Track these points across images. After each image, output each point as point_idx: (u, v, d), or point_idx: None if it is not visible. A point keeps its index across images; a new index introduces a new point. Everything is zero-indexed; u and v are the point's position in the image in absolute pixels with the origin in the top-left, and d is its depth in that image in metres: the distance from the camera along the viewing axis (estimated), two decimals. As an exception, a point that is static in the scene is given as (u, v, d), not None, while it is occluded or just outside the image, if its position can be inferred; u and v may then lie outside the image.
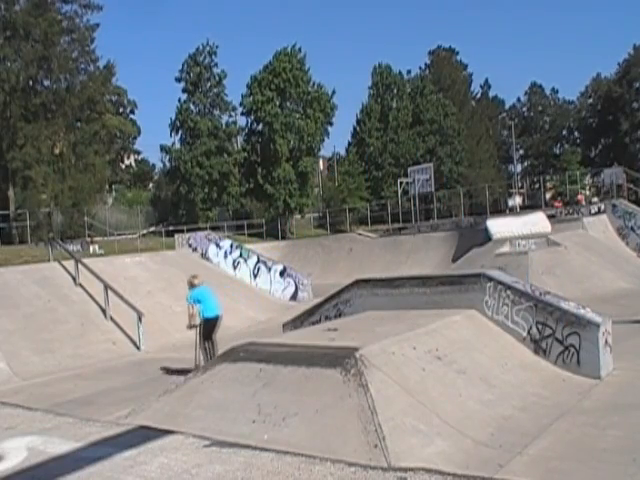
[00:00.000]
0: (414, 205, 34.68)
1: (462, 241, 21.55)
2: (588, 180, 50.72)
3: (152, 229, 36.38)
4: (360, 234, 27.26)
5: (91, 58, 31.22)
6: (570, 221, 21.83)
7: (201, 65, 39.08)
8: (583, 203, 29.11)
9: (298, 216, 41.78)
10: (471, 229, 22.90)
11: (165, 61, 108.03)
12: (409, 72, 54.10)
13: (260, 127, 39.95)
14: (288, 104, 40.08)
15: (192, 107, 39.11)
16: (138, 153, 55.18)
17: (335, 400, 4.89)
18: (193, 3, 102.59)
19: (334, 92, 41.33)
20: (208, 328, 8.60)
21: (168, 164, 39.55)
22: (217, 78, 39.73)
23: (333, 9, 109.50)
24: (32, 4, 28.44)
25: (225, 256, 17.97)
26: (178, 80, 39.25)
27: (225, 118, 40.21)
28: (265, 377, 5.49)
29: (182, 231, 24.44)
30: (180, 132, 39.03)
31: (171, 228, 30.38)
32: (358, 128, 49.38)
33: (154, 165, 55.55)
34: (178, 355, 10.36)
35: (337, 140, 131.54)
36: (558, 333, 6.78)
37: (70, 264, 13.27)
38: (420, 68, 56.89)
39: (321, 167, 55.31)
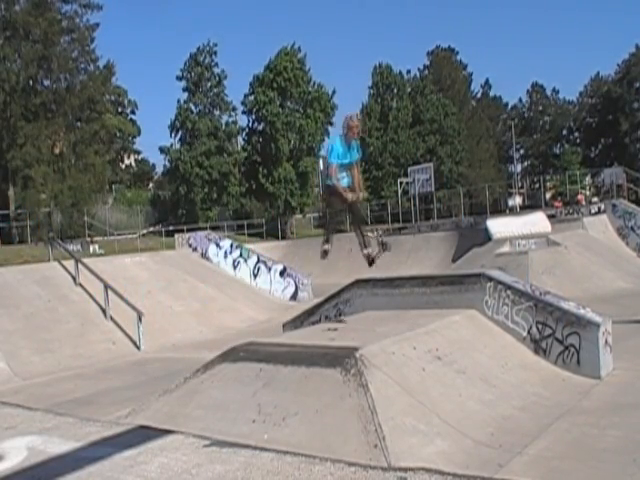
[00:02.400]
0: (414, 205, 34.70)
1: (462, 241, 21.54)
2: (588, 180, 50.73)
3: (152, 229, 36.39)
4: (360, 234, 27.17)
5: (91, 58, 31.27)
6: (570, 221, 21.82)
7: (202, 65, 39.13)
8: (583, 203, 29.13)
9: (299, 216, 41.84)
10: (471, 229, 22.90)
11: (165, 61, 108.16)
12: (408, 72, 54.13)
13: (261, 126, 39.98)
14: (289, 104, 40.12)
15: (192, 107, 39.15)
16: (138, 153, 55.23)
17: (335, 400, 4.89)
18: (193, 3, 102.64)
19: (334, 92, 41.47)
20: None
21: (168, 164, 39.62)
22: (217, 78, 39.80)
23: (333, 9, 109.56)
24: (32, 4, 28.47)
25: (225, 256, 17.96)
26: (179, 79, 39.30)
27: (225, 118, 40.29)
28: (265, 377, 5.48)
29: (182, 231, 24.44)
30: (180, 132, 39.06)
31: (171, 228, 30.41)
32: (358, 128, 49.36)
33: (154, 165, 55.67)
34: (178, 355, 10.36)
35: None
36: (558, 333, 6.78)
37: (70, 264, 13.26)
38: (419, 69, 56.93)
39: (321, 167, 55.31)
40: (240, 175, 39.83)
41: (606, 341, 6.71)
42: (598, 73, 59.72)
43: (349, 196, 6.60)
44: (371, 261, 7.13)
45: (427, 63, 57.53)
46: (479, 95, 62.04)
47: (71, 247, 20.62)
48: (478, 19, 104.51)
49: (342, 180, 6.65)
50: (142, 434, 5.38)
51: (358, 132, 6.57)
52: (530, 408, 5.56)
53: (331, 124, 41.97)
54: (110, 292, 11.80)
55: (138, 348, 11.10)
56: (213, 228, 28.51)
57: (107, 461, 4.74)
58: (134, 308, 11.30)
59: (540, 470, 4.18)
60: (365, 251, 7.05)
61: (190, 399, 5.75)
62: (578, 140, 62.30)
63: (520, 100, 65.38)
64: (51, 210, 29.59)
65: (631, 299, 13.03)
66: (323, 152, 6.38)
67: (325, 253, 7.12)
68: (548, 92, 64.51)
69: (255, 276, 17.70)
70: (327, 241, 7.20)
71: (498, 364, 6.39)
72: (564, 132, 63.82)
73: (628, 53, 55.16)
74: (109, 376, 9.00)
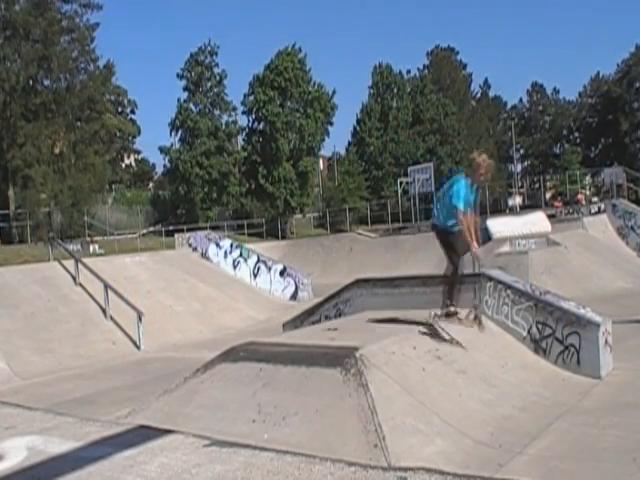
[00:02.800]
0: (414, 205, 34.70)
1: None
2: (588, 180, 50.71)
3: (152, 229, 36.38)
4: (360, 234, 27.24)
5: (91, 57, 31.25)
6: (570, 221, 21.83)
7: (202, 65, 39.12)
8: (583, 203, 29.14)
9: (299, 216, 41.83)
10: (471, 229, 22.84)
11: (165, 61, 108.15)
12: (408, 72, 54.13)
13: (261, 126, 39.97)
14: (289, 103, 40.10)
15: (192, 107, 39.14)
16: (138, 153, 55.21)
17: (335, 400, 4.89)
18: (193, 2, 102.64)
19: (334, 92, 41.45)
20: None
21: (167, 164, 39.63)
22: (218, 78, 39.78)
23: (333, 9, 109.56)
24: (32, 4, 28.45)
25: (225, 256, 17.97)
26: (179, 77, 39.27)
27: (225, 118, 40.28)
28: (265, 377, 5.48)
29: (182, 231, 24.44)
30: (180, 132, 39.05)
31: (171, 228, 30.40)
32: (358, 128, 49.40)
33: (154, 165, 55.68)
34: (178, 355, 10.37)
35: (337, 140, 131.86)
36: (558, 333, 6.78)
37: (70, 264, 13.27)
38: (418, 69, 56.94)
39: (321, 167, 55.33)
40: (240, 175, 39.84)
41: (606, 341, 6.71)
42: (598, 73, 59.81)
43: (478, 253, 5.76)
44: (451, 314, 5.83)
45: (427, 63, 57.58)
46: (479, 95, 62.04)
47: (71, 247, 20.61)
48: (478, 19, 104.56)
49: (454, 227, 6.02)
50: (142, 434, 5.38)
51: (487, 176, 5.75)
52: (530, 408, 5.56)
53: (331, 124, 42.02)
54: (110, 292, 11.81)
55: (138, 348, 11.10)
56: (213, 228, 28.48)
57: (107, 461, 4.74)
58: (134, 308, 11.30)
59: (540, 470, 4.18)
60: (450, 308, 5.88)
61: (190, 399, 5.75)
62: (578, 140, 62.30)
63: (520, 100, 65.49)
64: (51, 210, 29.57)
65: (631, 299, 13.03)
66: (454, 197, 5.64)
67: (450, 315, 5.97)
68: (548, 92, 64.57)
69: (255, 276, 17.70)
70: (452, 301, 6.03)
71: (498, 364, 6.39)
72: (564, 132, 63.80)
73: (628, 52, 55.22)
74: (109, 376, 9.00)
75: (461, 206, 5.97)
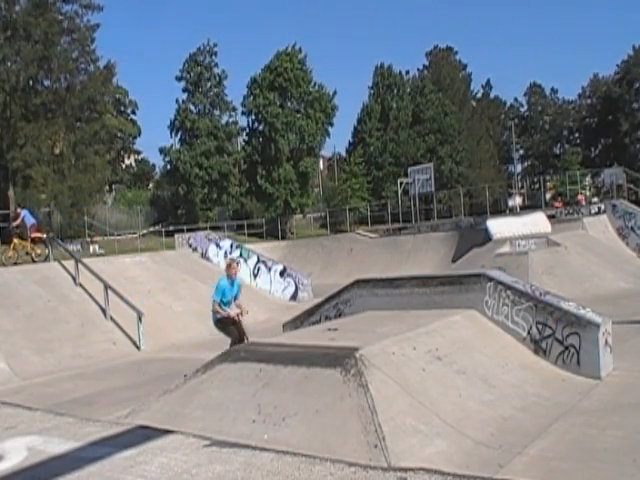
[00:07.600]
0: (414, 205, 34.68)
1: (462, 241, 21.55)
2: (588, 180, 50.68)
3: (152, 229, 36.35)
4: (360, 234, 27.25)
5: (91, 58, 31.17)
6: (570, 221, 21.83)
7: (201, 65, 39.11)
8: (583, 203, 29.12)
9: (299, 216, 41.79)
10: (471, 229, 22.88)
11: (165, 61, 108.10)
12: (407, 72, 54.07)
13: (261, 127, 39.96)
14: (289, 104, 40.09)
15: (192, 107, 39.13)
16: (138, 153, 55.15)
17: (335, 400, 4.89)
18: (193, 3, 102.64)
19: (335, 92, 41.41)
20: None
21: (167, 165, 39.61)
22: (217, 78, 39.75)
23: (333, 9, 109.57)
24: (32, 4, 28.40)
25: (225, 256, 17.96)
26: (178, 79, 39.25)
27: (225, 118, 40.27)
28: (265, 377, 5.49)
29: (182, 231, 24.43)
30: (180, 132, 39.03)
31: (171, 228, 30.35)
32: (359, 128, 49.36)
33: (154, 165, 55.64)
34: (178, 355, 10.37)
35: (337, 140, 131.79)
36: (558, 333, 6.78)
37: (70, 264, 13.28)
38: (418, 69, 56.93)
39: (321, 167, 55.31)
40: (240, 175, 39.84)
41: (606, 341, 6.71)
42: (598, 73, 59.81)
43: None
44: None
45: (426, 63, 57.56)
46: (479, 95, 61.99)
47: (71, 247, 20.60)
48: (477, 19, 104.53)
49: None
50: (142, 434, 5.38)
51: None
52: (530, 408, 5.56)
53: (331, 124, 41.98)
54: (110, 292, 11.81)
55: (138, 348, 11.11)
56: (213, 228, 28.47)
57: (107, 461, 4.74)
58: (134, 308, 11.30)
59: (540, 470, 4.18)
60: None
61: (190, 399, 5.75)
62: (578, 140, 62.27)
63: (516, 99, 65.46)
64: (51, 210, 29.55)
65: (631, 299, 13.03)
66: None
67: None
68: (547, 92, 64.54)
69: (255, 276, 17.71)
70: None
71: (498, 364, 6.39)
72: (564, 132, 63.75)
73: (627, 54, 55.19)
74: (109, 376, 9.00)
75: None
